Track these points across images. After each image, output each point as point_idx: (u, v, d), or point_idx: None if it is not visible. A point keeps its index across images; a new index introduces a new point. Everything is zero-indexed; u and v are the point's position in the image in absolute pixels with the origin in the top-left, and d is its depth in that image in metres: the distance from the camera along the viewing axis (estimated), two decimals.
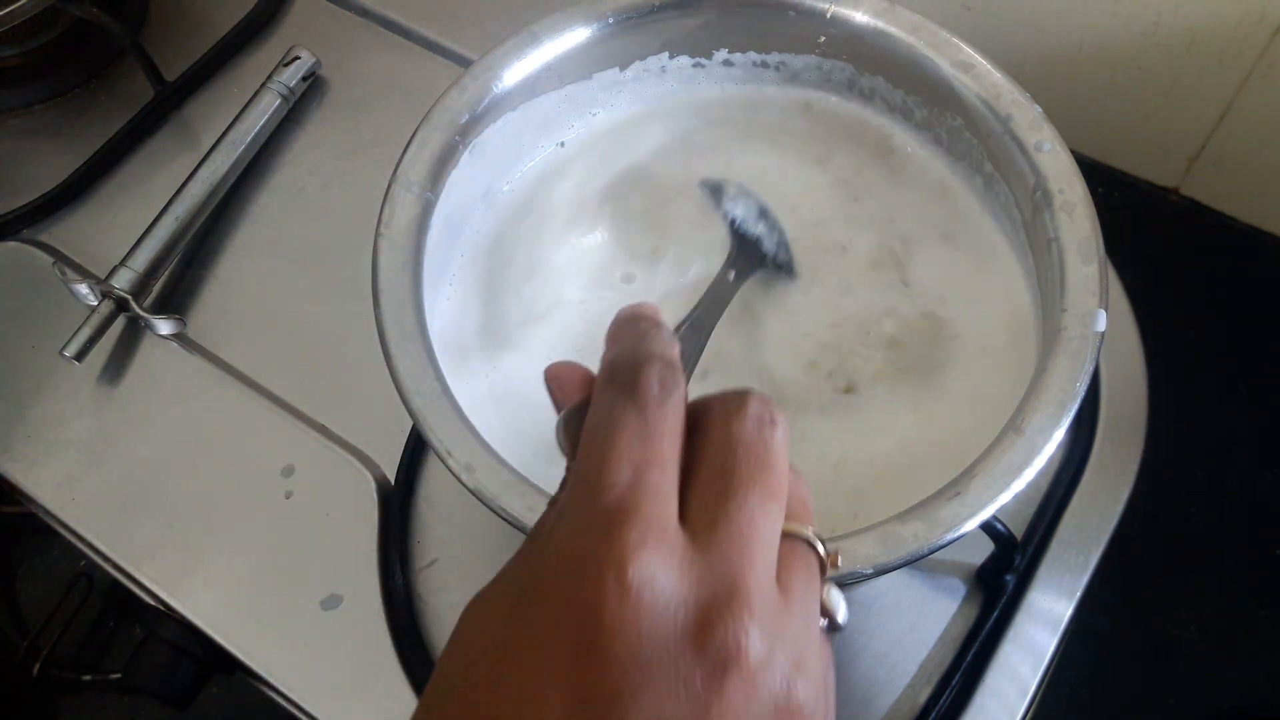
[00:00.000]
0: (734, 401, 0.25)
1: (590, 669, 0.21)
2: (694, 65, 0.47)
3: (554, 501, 0.26)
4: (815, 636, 0.24)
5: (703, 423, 0.25)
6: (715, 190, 0.46)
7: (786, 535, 0.24)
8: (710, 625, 0.21)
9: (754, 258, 0.44)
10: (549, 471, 0.40)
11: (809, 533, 0.25)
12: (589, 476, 0.23)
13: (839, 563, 0.26)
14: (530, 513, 0.34)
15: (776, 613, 0.23)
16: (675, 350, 0.26)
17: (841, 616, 0.25)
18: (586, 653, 0.21)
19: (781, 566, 0.24)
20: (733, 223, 0.44)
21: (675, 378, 0.25)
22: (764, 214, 0.45)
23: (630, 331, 0.27)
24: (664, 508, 0.23)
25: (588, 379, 0.27)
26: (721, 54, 0.47)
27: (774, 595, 0.23)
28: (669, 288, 0.45)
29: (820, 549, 0.25)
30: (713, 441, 0.24)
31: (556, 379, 0.28)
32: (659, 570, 0.22)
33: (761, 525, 0.23)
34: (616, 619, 0.21)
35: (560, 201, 0.47)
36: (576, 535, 0.22)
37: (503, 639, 0.22)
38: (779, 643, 0.22)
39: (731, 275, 0.42)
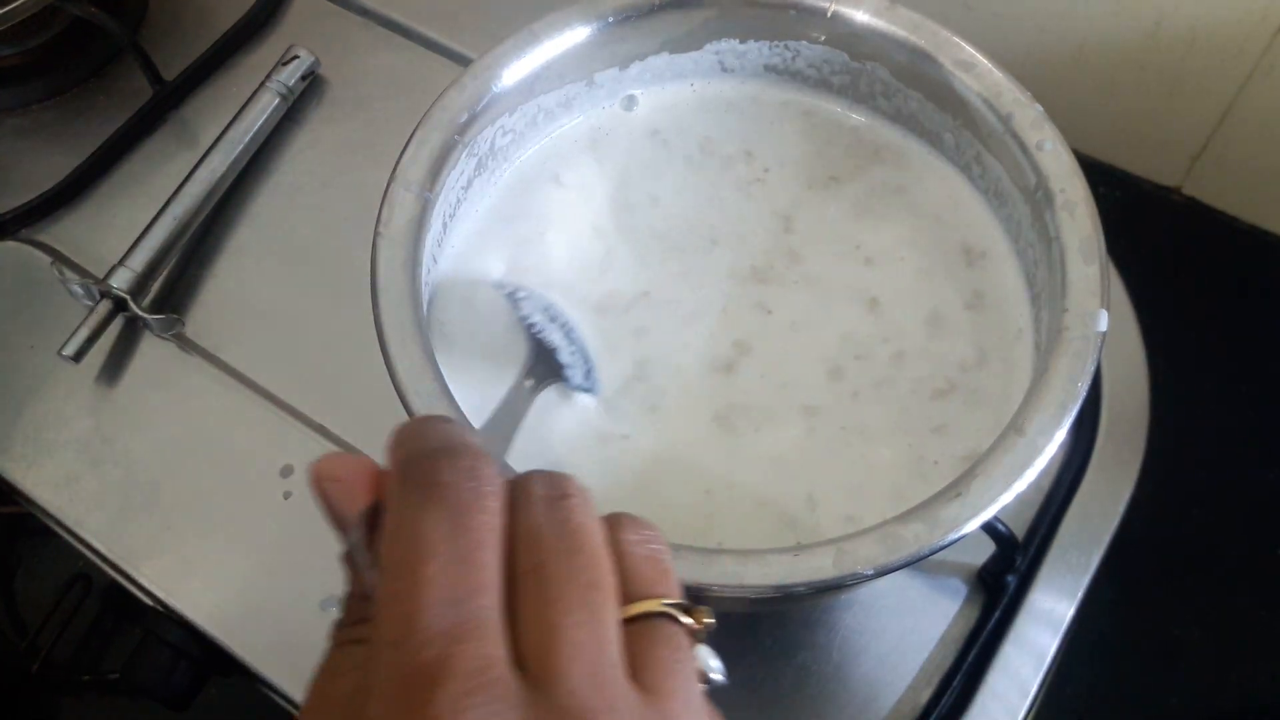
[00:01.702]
0: (516, 488, 0.22)
1: None
2: (694, 64, 0.47)
3: (346, 639, 0.22)
4: (698, 716, 0.21)
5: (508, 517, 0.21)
6: (510, 296, 0.43)
7: (636, 619, 0.21)
8: None
9: (553, 366, 0.40)
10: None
11: (663, 607, 0.21)
12: (394, 632, 0.19)
13: (707, 620, 0.22)
14: None
15: (648, 718, 0.19)
16: (478, 440, 0.22)
17: (718, 675, 0.22)
18: None
19: (639, 661, 0.20)
20: (530, 328, 0.41)
21: (489, 467, 0.21)
22: (563, 324, 0.41)
23: (419, 430, 0.22)
24: (492, 650, 0.19)
25: (375, 476, 0.23)
26: (721, 53, 0.47)
27: (636, 703, 0.20)
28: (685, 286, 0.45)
29: (682, 620, 0.21)
30: (518, 540, 0.21)
31: (334, 480, 0.23)
32: None
33: (594, 628, 0.20)
34: None
35: (561, 202, 0.47)
36: (394, 711, 0.18)
37: None
38: None
39: (529, 383, 0.38)
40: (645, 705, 0.20)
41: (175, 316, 0.54)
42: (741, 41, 0.46)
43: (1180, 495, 0.53)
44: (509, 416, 0.36)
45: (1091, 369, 0.35)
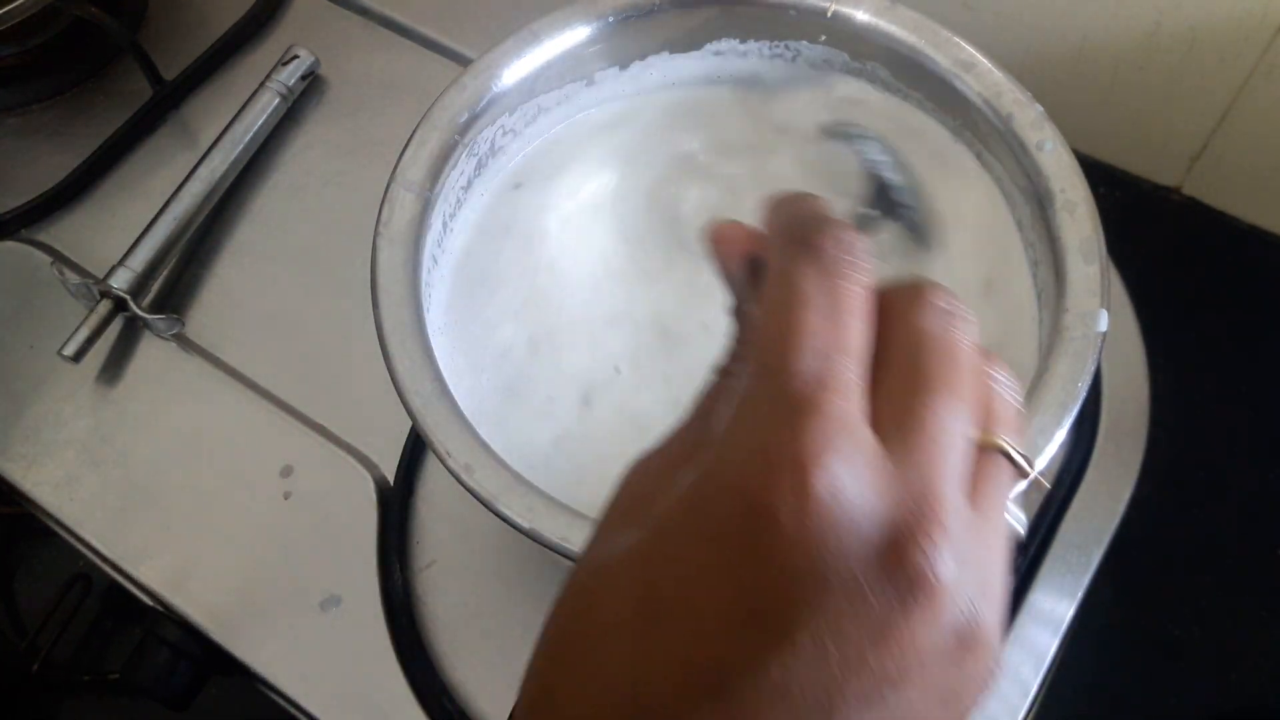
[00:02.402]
0: (911, 292, 0.22)
1: (763, 576, 0.19)
2: (694, 64, 0.47)
3: (725, 371, 0.24)
4: (1002, 557, 0.22)
5: (881, 316, 0.22)
6: (850, 136, 0.42)
7: (983, 445, 0.22)
8: (900, 545, 0.19)
9: (888, 206, 0.40)
10: (548, 477, 0.40)
11: (1006, 443, 0.22)
12: (772, 359, 0.20)
13: (1043, 483, 0.24)
14: (530, 513, 0.34)
15: (968, 533, 0.21)
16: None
17: (1021, 528, 0.23)
18: (762, 559, 0.19)
19: (977, 479, 0.22)
20: (872, 165, 0.41)
21: (864, 244, 0.22)
22: (901, 167, 0.41)
23: (803, 200, 0.24)
24: (853, 404, 0.20)
25: (758, 237, 0.24)
26: (722, 53, 0.47)
27: (966, 513, 0.21)
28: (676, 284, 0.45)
29: (1019, 461, 0.23)
30: (895, 335, 0.22)
31: (721, 240, 0.25)
32: (847, 477, 0.19)
33: (952, 431, 0.21)
34: (798, 527, 0.19)
35: (561, 204, 0.47)
36: (759, 427, 0.20)
37: (677, 518, 0.21)
38: (968, 566, 0.20)
39: (875, 214, 0.38)
40: (974, 522, 0.21)
41: (175, 316, 0.54)
42: (742, 41, 0.46)
43: (1180, 495, 0.53)
44: None
45: (1091, 369, 0.35)
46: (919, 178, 0.42)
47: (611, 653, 0.20)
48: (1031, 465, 0.23)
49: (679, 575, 0.20)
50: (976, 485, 0.22)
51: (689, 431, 0.23)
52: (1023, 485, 0.23)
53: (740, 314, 0.25)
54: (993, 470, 0.22)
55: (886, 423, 0.21)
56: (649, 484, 0.22)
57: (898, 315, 0.22)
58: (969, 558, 0.20)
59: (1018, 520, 0.23)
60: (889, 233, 0.41)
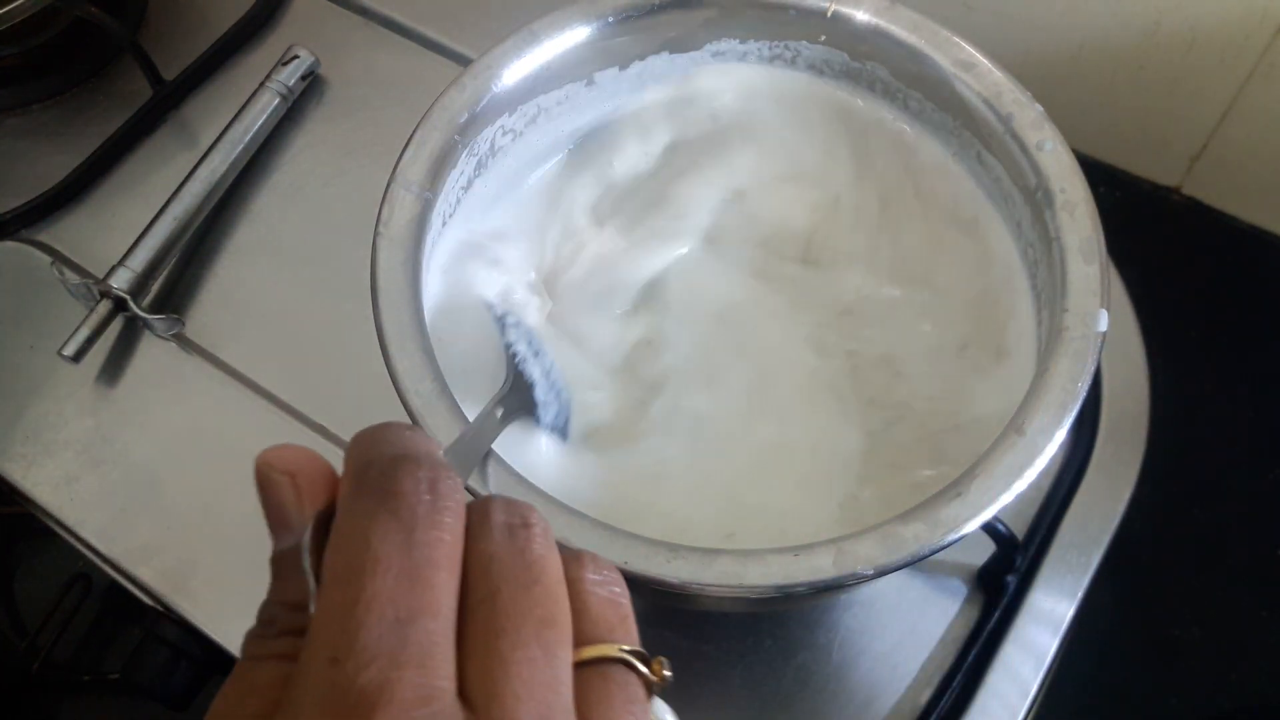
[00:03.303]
0: (475, 512, 0.20)
1: None
2: (694, 64, 0.47)
3: (256, 655, 0.19)
4: None
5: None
6: (500, 319, 0.42)
7: (589, 662, 0.20)
8: None
9: (527, 402, 0.39)
10: (547, 473, 0.40)
11: (619, 653, 0.20)
12: (334, 644, 0.17)
13: (665, 673, 0.21)
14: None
15: None
16: (440, 452, 0.21)
17: None
18: None
19: (590, 708, 0.19)
20: (513, 356, 0.40)
21: (450, 482, 0.20)
22: (545, 361, 0.40)
23: (381, 435, 0.21)
24: (437, 680, 0.17)
25: (331, 479, 0.21)
26: (721, 53, 0.47)
27: None
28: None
29: (640, 668, 0.20)
30: (469, 568, 0.19)
31: (285, 474, 0.21)
32: None
33: (546, 666, 0.18)
34: None
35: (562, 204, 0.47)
36: None
37: None
38: None
39: (499, 413, 0.37)
40: None
41: (175, 316, 0.54)
42: (741, 41, 0.46)
43: (1180, 495, 0.53)
44: (475, 442, 0.35)
45: (1091, 369, 0.35)
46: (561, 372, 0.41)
47: None
48: (647, 662, 0.20)
49: None
50: (591, 711, 0.19)
51: None
52: (656, 678, 0.21)
53: (285, 573, 0.21)
54: (605, 685, 0.20)
55: (478, 681, 0.18)
56: None
57: (470, 547, 0.20)
58: None
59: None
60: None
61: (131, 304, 0.52)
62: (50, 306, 0.55)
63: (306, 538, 0.20)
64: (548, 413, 0.40)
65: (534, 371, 0.39)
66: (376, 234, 0.40)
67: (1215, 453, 0.55)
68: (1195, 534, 0.53)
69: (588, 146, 0.48)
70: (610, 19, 0.44)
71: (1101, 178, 0.53)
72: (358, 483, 0.20)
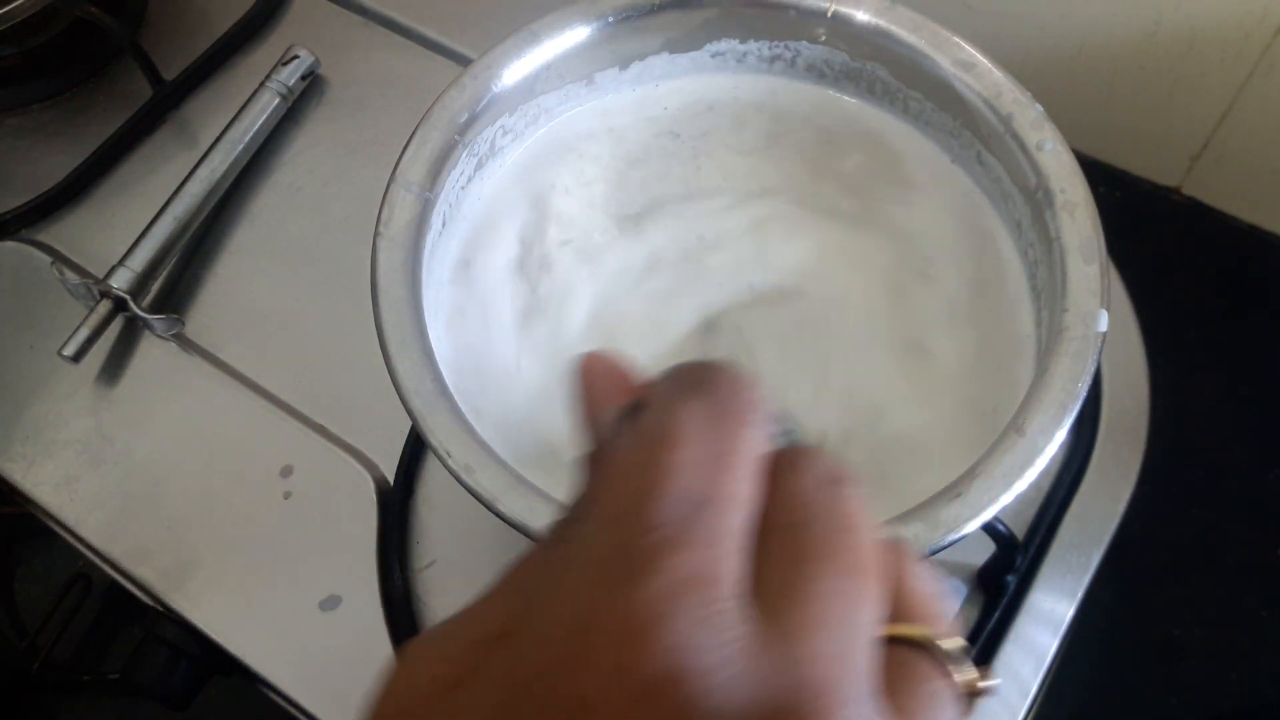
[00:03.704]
0: (793, 455, 0.19)
1: None
2: (694, 64, 0.47)
3: (556, 537, 0.19)
4: None
5: (769, 479, 0.18)
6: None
7: (901, 641, 0.18)
8: None
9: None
10: (549, 476, 0.40)
11: (934, 641, 0.18)
12: (622, 504, 0.16)
13: (986, 683, 0.18)
14: (531, 514, 0.34)
15: None
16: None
17: None
18: None
19: (895, 684, 0.17)
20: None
21: (764, 400, 0.19)
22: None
23: (699, 361, 0.20)
24: (720, 568, 0.16)
25: (639, 381, 0.20)
26: (721, 53, 0.47)
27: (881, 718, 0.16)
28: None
29: (953, 671, 0.18)
30: (775, 496, 0.18)
31: (592, 374, 0.21)
32: (696, 655, 0.14)
33: (847, 611, 0.16)
34: None
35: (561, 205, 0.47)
36: (587, 588, 0.16)
37: None
38: None
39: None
40: (897, 717, 0.16)
41: (175, 316, 0.54)
42: (741, 41, 0.46)
43: (1180, 495, 0.53)
44: None
45: (1091, 369, 0.35)
46: None
47: None
48: (963, 669, 0.18)
49: None
50: (901, 694, 0.17)
51: (497, 606, 0.18)
52: (975, 687, 0.18)
53: (590, 461, 0.20)
54: (917, 676, 0.17)
55: (767, 596, 0.16)
56: (439, 675, 0.17)
57: (780, 479, 0.18)
58: None
59: None
60: None
61: (131, 304, 0.52)
62: (50, 306, 0.55)
63: (611, 420, 0.20)
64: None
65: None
66: (376, 234, 0.40)
67: (1215, 452, 0.55)
68: (1195, 534, 0.53)
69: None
70: (610, 19, 0.44)
71: (1101, 178, 0.53)
72: (674, 375, 0.19)
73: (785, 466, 0.18)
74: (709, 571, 0.15)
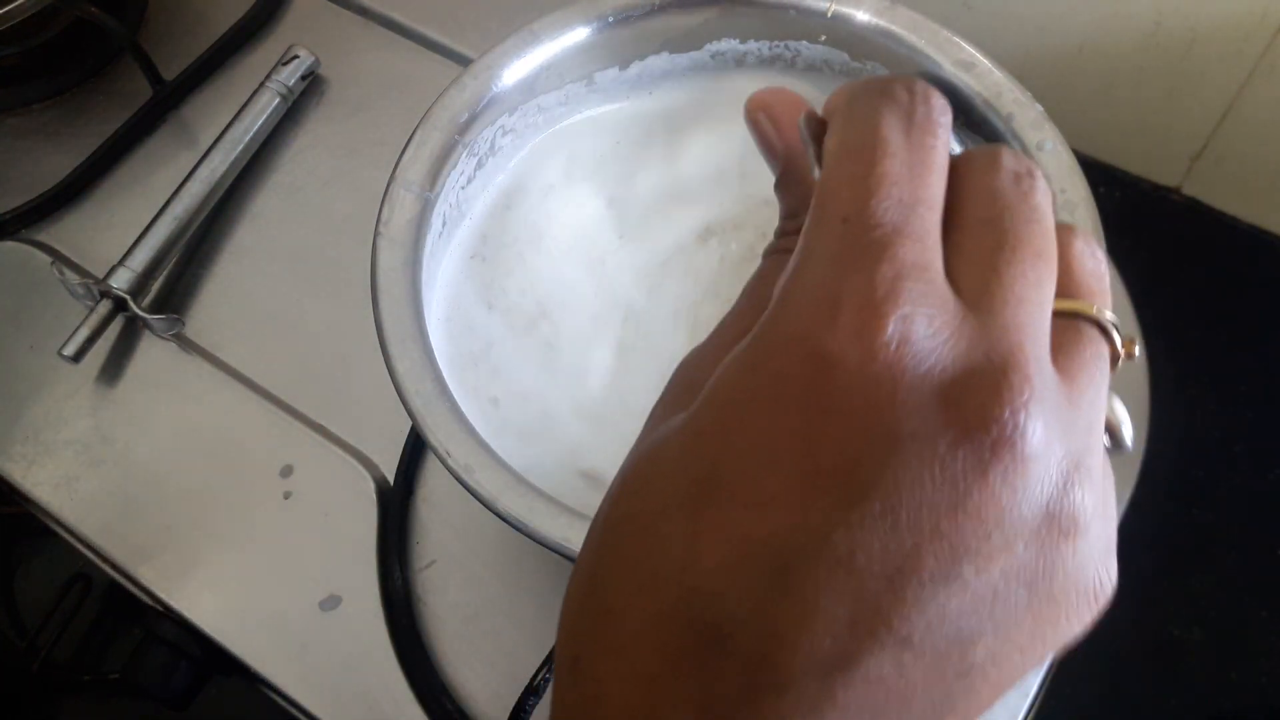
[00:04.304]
0: (984, 156, 0.21)
1: (825, 433, 0.17)
2: (694, 64, 0.47)
3: (777, 250, 0.22)
4: (1099, 440, 0.20)
5: (952, 179, 0.21)
6: None
7: (1070, 314, 0.20)
8: (981, 397, 0.17)
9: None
10: (553, 476, 0.40)
11: (1099, 313, 0.20)
12: (845, 206, 0.19)
13: (1136, 352, 0.21)
14: (531, 513, 0.34)
15: (1058, 398, 0.18)
16: None
17: (1128, 434, 0.21)
18: (824, 414, 0.17)
19: (1063, 349, 0.20)
20: None
21: (942, 101, 0.21)
22: None
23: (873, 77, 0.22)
24: (934, 253, 0.19)
25: (813, 107, 0.22)
26: (721, 53, 0.47)
27: (1055, 378, 0.19)
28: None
29: (1115, 336, 0.21)
30: (967, 197, 0.20)
31: (770, 105, 0.23)
32: (922, 321, 0.17)
33: (1036, 290, 0.19)
34: (864, 377, 0.17)
35: (560, 206, 0.47)
36: (823, 273, 0.18)
37: (730, 379, 0.19)
38: (1058, 434, 0.18)
39: None
40: (1067, 393, 0.19)
41: (175, 316, 0.54)
42: (741, 41, 0.46)
43: (1180, 495, 0.53)
44: None
45: None
46: None
47: (661, 537, 0.18)
48: (1121, 335, 0.21)
49: (734, 444, 0.18)
50: (1066, 356, 0.20)
51: (741, 316, 0.22)
52: (1126, 352, 0.21)
53: (790, 183, 0.23)
54: (1085, 341, 0.20)
55: (965, 279, 0.19)
56: (702, 370, 0.20)
57: (970, 178, 0.21)
58: (1060, 426, 0.18)
59: (1123, 420, 0.21)
60: None
61: (131, 304, 0.52)
62: (50, 307, 0.55)
63: (802, 123, 0.22)
64: None
65: None
66: (376, 234, 0.40)
67: (1215, 453, 0.55)
68: (1195, 534, 0.53)
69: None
70: (610, 19, 0.44)
71: (1101, 178, 0.53)
72: (864, 86, 0.21)
73: (979, 167, 0.21)
74: (924, 259, 0.18)
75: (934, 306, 0.18)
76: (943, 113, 0.21)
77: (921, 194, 0.19)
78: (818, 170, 0.21)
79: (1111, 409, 0.21)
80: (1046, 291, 0.20)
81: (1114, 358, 0.21)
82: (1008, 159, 0.21)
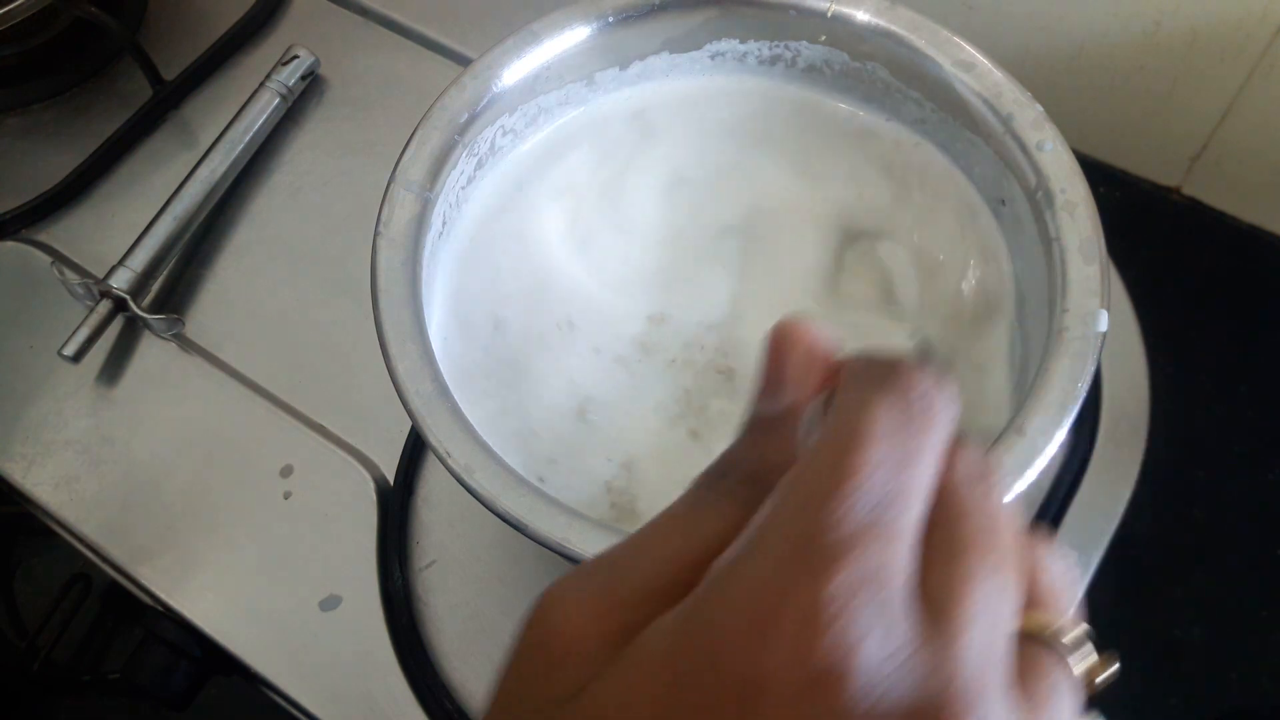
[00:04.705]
0: (964, 468, 0.20)
1: None
2: (694, 64, 0.47)
3: (720, 487, 0.20)
4: None
5: None
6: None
7: (1036, 635, 0.19)
8: None
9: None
10: (553, 474, 0.40)
11: (1061, 631, 0.19)
12: (816, 495, 0.17)
13: (1110, 669, 0.20)
14: (531, 514, 0.34)
15: None
16: None
17: None
18: None
19: (1026, 676, 0.18)
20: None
21: (949, 393, 0.19)
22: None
23: (882, 352, 0.21)
24: (897, 561, 0.17)
25: (835, 365, 0.21)
26: (721, 53, 0.47)
27: (1015, 709, 0.17)
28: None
29: (1076, 662, 0.19)
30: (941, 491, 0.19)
31: (789, 345, 0.21)
32: (872, 647, 0.16)
33: (993, 606, 0.18)
34: (797, 710, 0.15)
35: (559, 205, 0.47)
36: (770, 577, 0.16)
37: (637, 702, 0.17)
38: None
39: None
40: (1023, 711, 0.17)
41: (175, 316, 0.54)
42: (742, 41, 0.46)
43: (1180, 495, 0.53)
44: None
45: (1091, 369, 0.35)
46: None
47: None
48: (1089, 657, 0.19)
49: None
50: (1032, 683, 0.18)
51: (648, 555, 0.19)
52: (1098, 673, 0.19)
53: (760, 424, 0.21)
54: (1044, 668, 0.18)
55: (931, 582, 0.17)
56: (592, 633, 0.18)
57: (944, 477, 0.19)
58: None
59: None
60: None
61: (131, 304, 0.52)
62: (50, 306, 0.55)
63: (818, 403, 0.21)
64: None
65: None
66: (376, 234, 0.40)
67: (1215, 453, 0.55)
68: (1195, 534, 0.53)
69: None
70: (610, 19, 0.44)
71: (1101, 178, 0.53)
72: (867, 365, 0.20)
73: (953, 472, 0.19)
74: (886, 569, 0.17)
75: (887, 628, 0.16)
76: (946, 405, 0.19)
77: (907, 488, 0.18)
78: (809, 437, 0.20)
79: None
80: (1007, 606, 0.18)
81: (1087, 679, 0.19)
82: (967, 456, 0.20)
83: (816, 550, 0.16)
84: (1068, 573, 0.20)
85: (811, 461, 0.18)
